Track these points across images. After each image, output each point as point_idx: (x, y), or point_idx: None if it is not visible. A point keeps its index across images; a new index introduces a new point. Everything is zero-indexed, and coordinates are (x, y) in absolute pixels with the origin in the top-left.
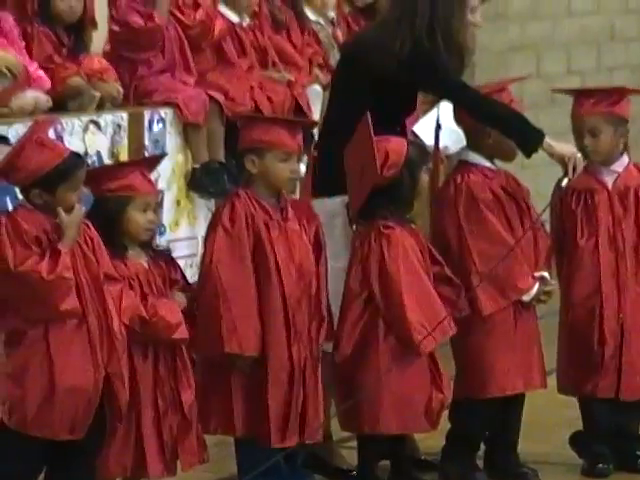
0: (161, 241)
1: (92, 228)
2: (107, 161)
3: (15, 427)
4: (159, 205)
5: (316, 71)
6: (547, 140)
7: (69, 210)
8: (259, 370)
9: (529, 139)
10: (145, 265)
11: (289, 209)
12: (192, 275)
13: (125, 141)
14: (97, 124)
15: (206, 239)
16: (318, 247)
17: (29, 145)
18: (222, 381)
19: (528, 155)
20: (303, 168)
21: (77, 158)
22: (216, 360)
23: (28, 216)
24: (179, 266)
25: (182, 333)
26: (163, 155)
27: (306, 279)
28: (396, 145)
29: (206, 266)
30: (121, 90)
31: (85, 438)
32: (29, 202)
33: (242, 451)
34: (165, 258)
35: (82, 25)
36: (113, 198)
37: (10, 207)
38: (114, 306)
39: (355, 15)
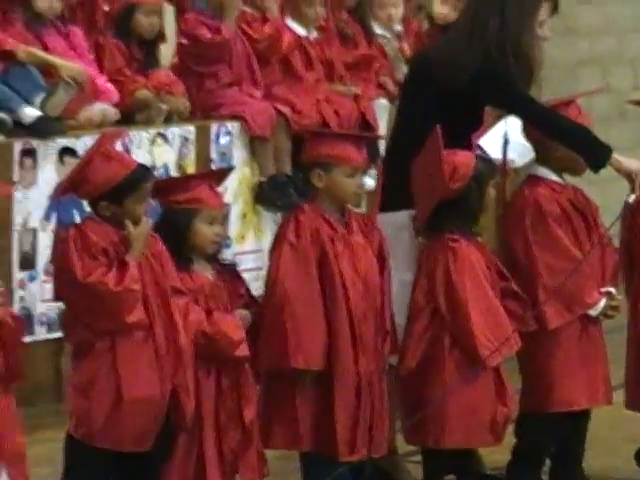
0: (227, 254)
1: (159, 241)
2: (174, 174)
3: (82, 438)
4: (226, 218)
5: (384, 79)
6: (615, 156)
7: (137, 222)
8: (325, 384)
9: (597, 154)
10: (210, 279)
11: (353, 223)
12: (258, 288)
13: (192, 154)
14: (164, 137)
15: (271, 254)
16: (382, 260)
17: (96, 158)
18: (287, 395)
19: (596, 170)
20: (369, 181)
21: (144, 170)
22: (281, 374)
23: (96, 228)
24: (244, 280)
25: (243, 351)
26: (231, 168)
27: (371, 292)
28: (464, 158)
29: (271, 280)
30: (188, 103)
31: (151, 450)
32: (97, 215)
33: (308, 465)
34: (231, 272)
35: (156, 41)
36: (180, 210)
37: (78, 220)
38: (181, 319)
39: (433, 32)
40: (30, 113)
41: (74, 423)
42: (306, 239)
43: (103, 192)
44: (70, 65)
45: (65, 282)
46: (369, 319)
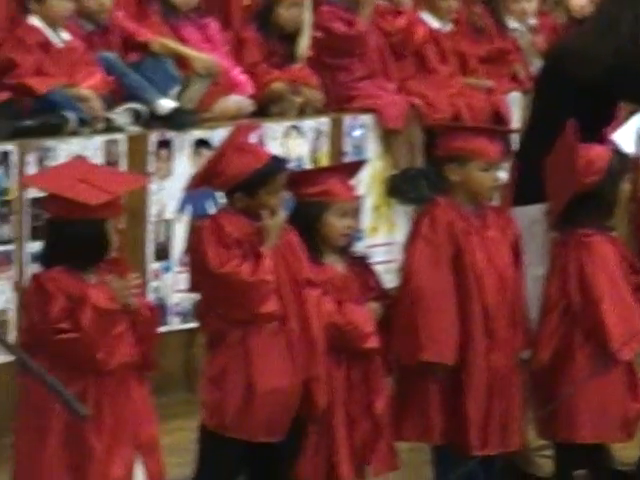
0: (359, 247)
1: (294, 232)
2: (308, 166)
3: (215, 429)
4: (357, 211)
5: (517, 67)
6: None
7: (273, 213)
8: (458, 378)
9: None
10: (341, 271)
11: (489, 216)
12: (390, 281)
13: (326, 147)
14: (298, 129)
15: (406, 247)
16: (517, 254)
17: (230, 150)
18: (419, 388)
19: None
20: (503, 175)
21: (278, 162)
22: (413, 367)
23: (231, 219)
24: (376, 273)
25: (374, 343)
26: (364, 162)
27: (505, 287)
28: (599, 152)
29: (406, 274)
30: (323, 96)
31: (283, 442)
32: (232, 206)
33: (439, 458)
34: (362, 264)
35: (296, 34)
36: (312, 203)
37: (212, 211)
38: (313, 310)
39: (570, 26)
40: (166, 105)
41: (207, 414)
42: (441, 233)
43: (237, 184)
44: (204, 57)
45: (200, 272)
46: (503, 314)
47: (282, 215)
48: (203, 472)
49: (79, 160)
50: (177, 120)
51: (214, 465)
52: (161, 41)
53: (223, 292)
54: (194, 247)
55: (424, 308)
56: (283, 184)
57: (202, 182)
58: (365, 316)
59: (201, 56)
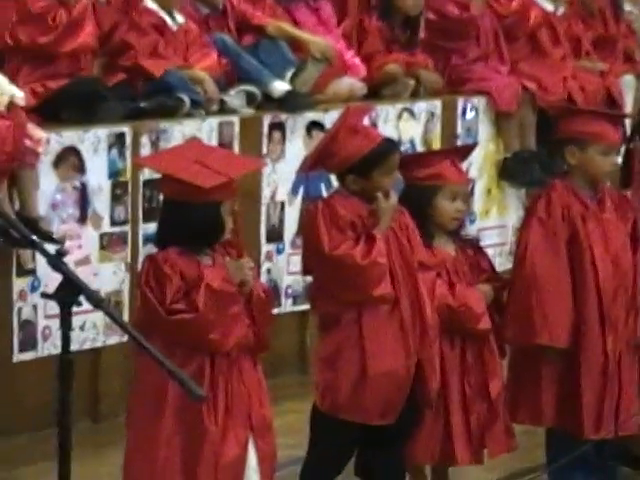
0: (471, 229)
1: (407, 215)
2: (420, 148)
3: (328, 411)
4: (468, 194)
5: (631, 50)
6: None
7: (386, 195)
8: (571, 362)
9: None
10: (453, 253)
11: (607, 200)
12: (501, 264)
13: (438, 129)
14: (411, 112)
15: (521, 230)
16: (635, 239)
17: (343, 131)
18: (532, 371)
19: None
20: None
21: (390, 143)
22: (527, 350)
23: (344, 202)
24: (487, 255)
25: (486, 324)
26: (475, 145)
27: (622, 271)
28: None
29: (520, 257)
30: (440, 78)
31: (397, 424)
32: (345, 189)
33: (552, 441)
34: (473, 247)
35: (418, 20)
36: (423, 186)
37: (324, 193)
38: (427, 293)
39: None
40: (279, 87)
41: (320, 395)
42: (557, 216)
43: (350, 165)
44: (319, 41)
45: (313, 255)
46: (619, 298)
47: (395, 197)
48: (315, 454)
49: (194, 141)
50: (291, 102)
51: (326, 447)
52: (277, 24)
53: (336, 274)
54: (307, 229)
55: (539, 291)
56: (396, 166)
57: (315, 164)
58: (477, 298)
59: (317, 40)
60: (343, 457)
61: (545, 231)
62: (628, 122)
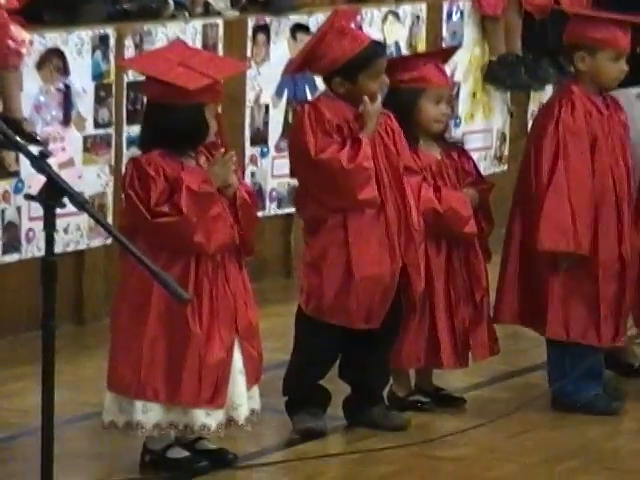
0: (456, 133)
1: (393, 119)
2: (405, 52)
3: (312, 314)
4: (452, 97)
5: None
6: None
7: (372, 99)
8: (586, 268)
9: None
10: (437, 157)
11: (611, 105)
12: (486, 167)
13: (423, 32)
14: (396, 15)
15: (544, 134)
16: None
17: (330, 33)
18: (540, 279)
19: None
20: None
21: (378, 46)
22: (534, 258)
23: (331, 105)
24: (472, 158)
25: (472, 227)
26: (457, 47)
27: (630, 174)
28: None
29: (551, 164)
30: None
31: (381, 327)
32: (332, 91)
33: (563, 354)
34: (458, 150)
35: None
36: (406, 89)
37: (309, 95)
38: (413, 197)
39: None
40: None
41: (305, 298)
42: (582, 121)
43: (337, 67)
44: None
45: (298, 158)
46: (629, 203)
47: (379, 101)
48: (299, 357)
49: (178, 43)
50: (275, 5)
51: (310, 350)
52: None
53: (322, 178)
54: (294, 132)
55: (575, 199)
56: (383, 69)
57: (301, 66)
58: (463, 201)
59: None
60: (327, 360)
61: (573, 137)
62: None
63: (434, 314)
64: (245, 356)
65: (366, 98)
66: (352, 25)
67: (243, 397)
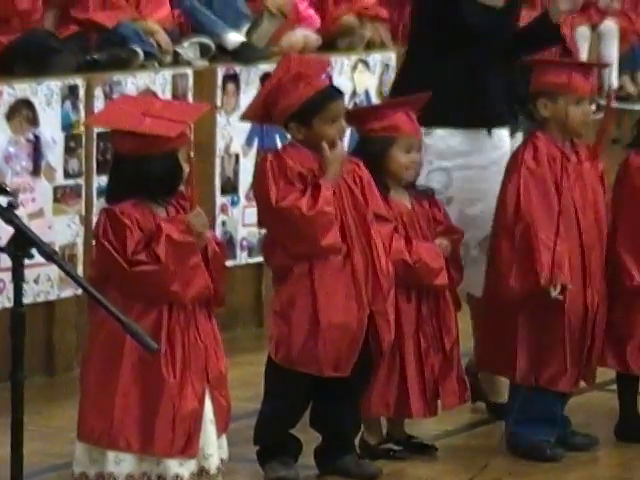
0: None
1: (363, 167)
2: (375, 100)
3: (281, 362)
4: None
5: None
6: None
7: (331, 145)
8: (551, 314)
9: None
10: (408, 206)
11: (582, 151)
12: None
13: (393, 80)
14: (366, 63)
15: (507, 183)
16: (604, 192)
17: (285, 78)
18: (508, 323)
19: None
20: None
21: (331, 90)
22: (503, 302)
23: (295, 153)
24: (442, 207)
25: (443, 279)
26: (428, 95)
27: (600, 222)
28: None
29: (514, 208)
30: (387, 33)
31: (351, 376)
32: (293, 138)
33: (519, 394)
34: (429, 198)
35: None
36: (377, 138)
37: (279, 144)
38: (381, 245)
39: None
40: (234, 39)
41: (274, 347)
42: (544, 165)
43: (292, 112)
44: None
45: (262, 207)
46: (598, 249)
47: (342, 147)
48: (269, 406)
49: (126, 97)
50: (245, 54)
51: (281, 399)
52: None
53: (284, 227)
54: (256, 182)
55: (539, 237)
56: (339, 114)
57: (261, 114)
58: (434, 252)
59: None
60: (297, 409)
61: (536, 180)
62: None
63: (404, 363)
64: (215, 405)
65: (324, 144)
66: (306, 71)
67: (214, 446)
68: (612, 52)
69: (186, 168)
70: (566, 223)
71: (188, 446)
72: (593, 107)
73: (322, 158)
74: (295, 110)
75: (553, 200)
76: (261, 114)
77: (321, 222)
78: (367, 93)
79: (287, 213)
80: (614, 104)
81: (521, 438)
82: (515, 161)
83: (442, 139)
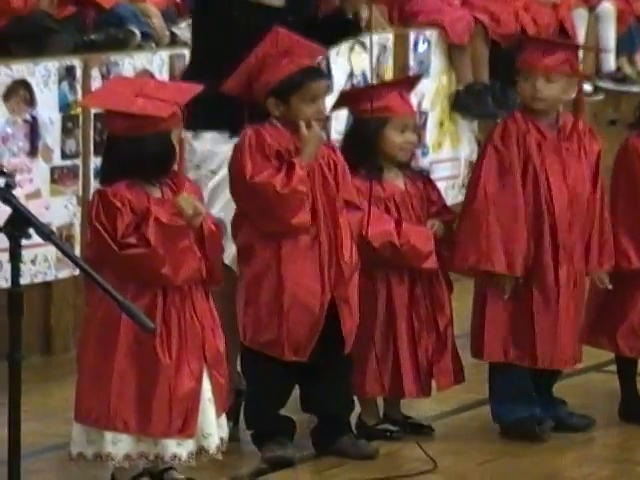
0: (424, 162)
1: (338, 153)
2: (372, 82)
3: (249, 345)
4: (421, 126)
5: None
6: None
7: (308, 125)
8: (519, 290)
9: None
10: (402, 187)
11: (569, 130)
12: (454, 197)
13: (390, 62)
14: (363, 45)
15: (477, 158)
16: (597, 171)
17: (272, 52)
18: (477, 299)
19: None
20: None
21: (314, 70)
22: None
23: (274, 132)
24: (437, 187)
25: (431, 263)
26: (421, 76)
27: (579, 202)
28: None
29: (473, 184)
30: (384, 22)
31: (328, 359)
32: (270, 115)
33: (493, 374)
34: (423, 179)
35: None
36: (370, 119)
37: None
38: (348, 232)
39: None
40: None
41: (242, 329)
42: (511, 144)
43: (272, 87)
44: None
45: (235, 181)
46: (575, 229)
47: (318, 129)
48: (251, 390)
49: (118, 78)
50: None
51: (260, 381)
52: None
53: (256, 202)
54: (233, 155)
55: (491, 219)
56: (318, 96)
57: (239, 85)
58: (424, 235)
59: None
60: (279, 392)
61: (499, 159)
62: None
63: (397, 343)
64: (214, 384)
65: (302, 122)
66: (293, 49)
67: (213, 426)
68: (610, 34)
69: (178, 149)
70: (536, 203)
71: (186, 426)
72: (590, 88)
73: (299, 138)
74: (275, 85)
75: (517, 181)
76: (244, 87)
77: (294, 200)
78: (364, 74)
79: (260, 189)
80: (587, 86)
81: (502, 417)
82: (486, 139)
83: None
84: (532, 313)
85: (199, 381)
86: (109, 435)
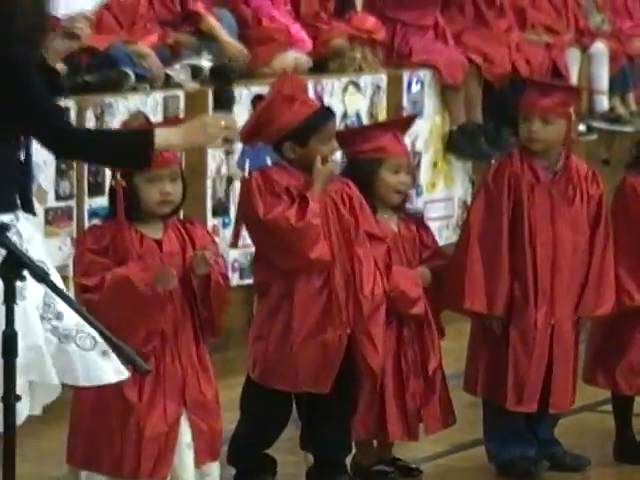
0: (417, 202)
1: (352, 186)
2: (366, 122)
3: (257, 379)
4: (414, 167)
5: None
6: None
7: (324, 161)
8: (503, 332)
9: None
10: (394, 229)
11: (566, 173)
12: (448, 237)
13: (384, 102)
14: (357, 85)
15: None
16: (598, 216)
17: (278, 99)
18: (472, 336)
19: None
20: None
21: (328, 110)
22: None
23: (281, 171)
24: (430, 230)
25: (419, 309)
26: (415, 116)
27: (564, 249)
28: None
29: (464, 223)
30: (378, 61)
31: (334, 397)
32: (284, 159)
33: (486, 413)
34: (417, 222)
35: None
36: (365, 160)
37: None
38: (371, 266)
39: None
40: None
41: (251, 364)
42: (502, 185)
43: (288, 132)
44: (234, 44)
45: (249, 224)
46: (557, 275)
47: (333, 164)
48: (247, 425)
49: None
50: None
51: (258, 418)
52: (208, 22)
53: (272, 239)
54: (242, 200)
55: (475, 256)
56: (333, 134)
57: (252, 133)
58: (412, 281)
59: (232, 42)
60: (274, 430)
61: (488, 199)
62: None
63: (383, 386)
64: (195, 431)
65: (318, 157)
66: (312, 96)
67: (190, 472)
68: (602, 74)
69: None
70: (519, 246)
71: (157, 468)
72: (583, 128)
73: (310, 177)
74: (292, 129)
75: (503, 223)
76: (253, 133)
77: (309, 234)
78: (358, 115)
79: (275, 225)
80: (580, 126)
81: (496, 456)
82: (482, 178)
83: None
84: (507, 353)
85: (174, 425)
86: (87, 475)
